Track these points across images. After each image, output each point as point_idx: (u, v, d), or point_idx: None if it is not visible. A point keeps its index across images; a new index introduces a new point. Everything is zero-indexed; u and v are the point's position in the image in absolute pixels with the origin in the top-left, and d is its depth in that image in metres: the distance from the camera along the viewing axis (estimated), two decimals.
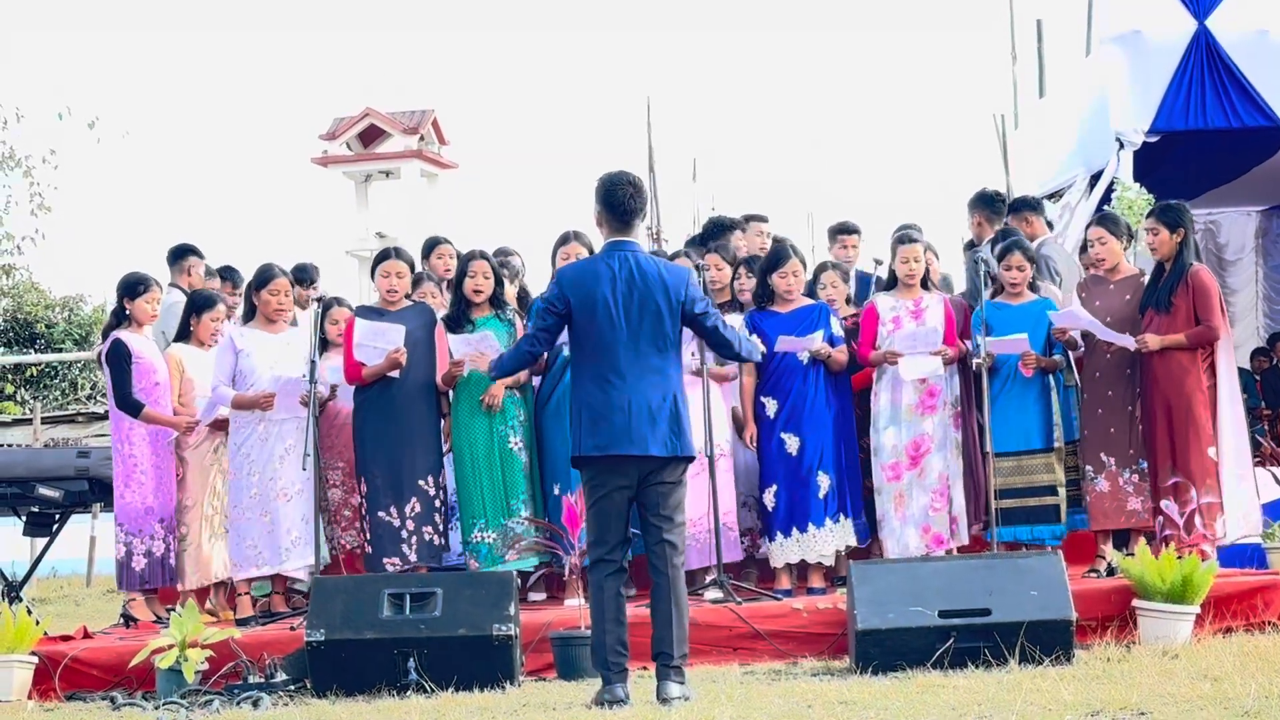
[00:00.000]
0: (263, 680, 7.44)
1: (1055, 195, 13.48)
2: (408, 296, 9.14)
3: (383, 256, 9.10)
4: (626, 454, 6.60)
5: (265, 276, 9.04)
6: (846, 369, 9.10)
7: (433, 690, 7.20)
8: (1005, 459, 8.84)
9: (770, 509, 8.98)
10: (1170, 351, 8.62)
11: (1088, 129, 12.99)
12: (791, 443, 8.94)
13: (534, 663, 7.82)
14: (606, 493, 6.67)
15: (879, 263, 9.94)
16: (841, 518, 8.93)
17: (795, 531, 8.89)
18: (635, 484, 6.67)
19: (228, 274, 10.59)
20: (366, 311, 9.02)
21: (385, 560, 8.68)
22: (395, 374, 8.77)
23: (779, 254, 9.18)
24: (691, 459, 6.79)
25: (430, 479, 8.85)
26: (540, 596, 9.22)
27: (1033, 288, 9.21)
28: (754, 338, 8.20)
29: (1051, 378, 8.98)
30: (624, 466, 6.64)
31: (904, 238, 9.24)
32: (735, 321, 9.05)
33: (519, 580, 8.44)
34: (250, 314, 9.11)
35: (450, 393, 9.02)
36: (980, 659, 7.19)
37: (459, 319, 9.06)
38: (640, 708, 6.42)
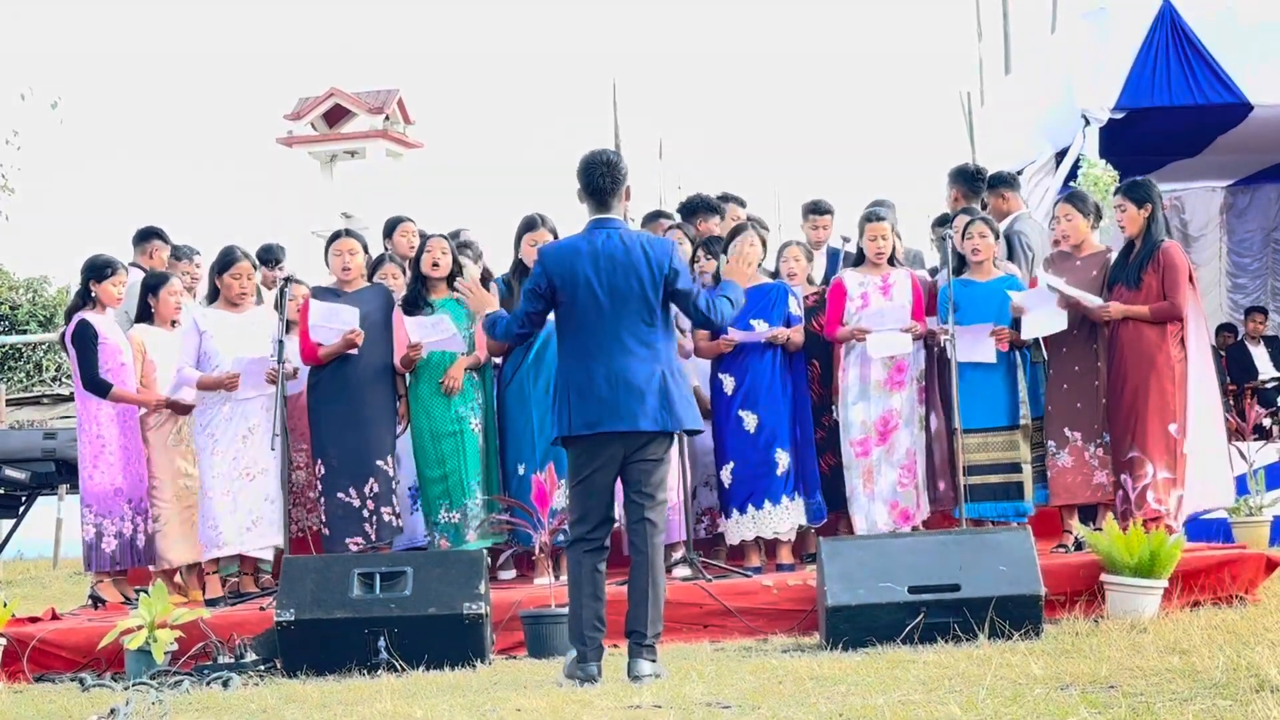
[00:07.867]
0: (232, 660, 7.41)
1: (1020, 172, 13.50)
2: (368, 278, 9.14)
3: (334, 237, 9.20)
4: (614, 430, 6.58)
5: (228, 260, 9.01)
6: (805, 347, 9.08)
7: (404, 669, 7.19)
8: (971, 436, 8.82)
9: (727, 486, 8.98)
10: (1140, 326, 8.65)
11: (1053, 106, 13.02)
12: (749, 420, 8.94)
13: (504, 641, 7.83)
14: (591, 472, 6.64)
15: (846, 240, 9.92)
16: (797, 495, 8.94)
17: (751, 508, 8.89)
18: (620, 462, 6.64)
19: (185, 253, 10.44)
20: (322, 292, 9.02)
21: (348, 540, 8.67)
22: (353, 352, 8.78)
23: (738, 228, 9.23)
24: (681, 432, 6.77)
25: (389, 459, 8.87)
26: (510, 575, 9.22)
27: (996, 264, 9.21)
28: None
29: (1019, 355, 8.99)
30: (610, 445, 6.61)
31: (870, 215, 9.23)
32: None
33: (489, 559, 8.45)
34: (214, 296, 9.09)
35: (407, 374, 9.02)
36: (950, 634, 7.20)
37: (416, 300, 9.04)
38: (612, 685, 6.43)
